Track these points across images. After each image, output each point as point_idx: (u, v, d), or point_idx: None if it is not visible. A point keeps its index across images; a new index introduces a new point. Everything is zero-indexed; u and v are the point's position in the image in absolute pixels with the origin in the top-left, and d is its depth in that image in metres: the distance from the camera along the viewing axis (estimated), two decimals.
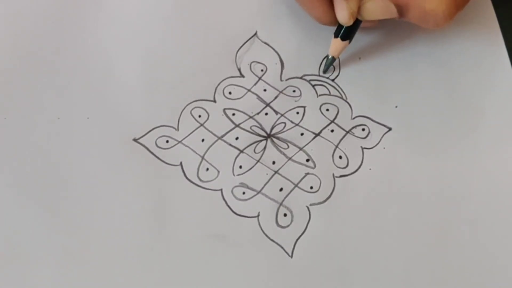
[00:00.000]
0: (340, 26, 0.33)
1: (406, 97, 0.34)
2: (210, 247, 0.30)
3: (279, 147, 0.33)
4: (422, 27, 0.32)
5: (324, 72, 0.35)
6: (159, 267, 0.30)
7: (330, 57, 0.34)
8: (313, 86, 0.35)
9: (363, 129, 0.33)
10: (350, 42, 0.34)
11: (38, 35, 0.36)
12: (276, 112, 0.34)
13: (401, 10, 0.31)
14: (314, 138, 0.33)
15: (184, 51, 0.36)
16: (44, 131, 0.33)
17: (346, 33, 0.33)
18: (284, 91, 0.34)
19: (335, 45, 0.34)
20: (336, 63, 0.35)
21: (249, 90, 0.34)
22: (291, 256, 0.30)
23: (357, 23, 0.33)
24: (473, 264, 0.29)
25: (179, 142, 0.33)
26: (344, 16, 0.32)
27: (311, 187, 0.31)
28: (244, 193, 0.31)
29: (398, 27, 0.36)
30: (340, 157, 0.32)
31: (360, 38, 0.35)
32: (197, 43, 0.36)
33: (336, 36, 0.33)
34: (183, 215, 0.31)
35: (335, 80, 0.35)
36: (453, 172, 0.32)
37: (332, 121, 0.33)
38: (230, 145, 0.33)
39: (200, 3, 0.37)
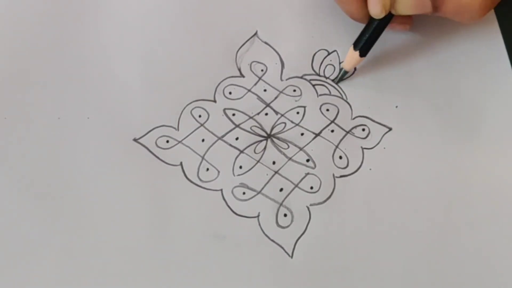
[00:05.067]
0: (361, 35, 0.33)
1: (406, 97, 0.34)
2: (210, 247, 0.30)
3: (279, 147, 0.33)
4: (456, 20, 0.32)
5: (337, 83, 0.34)
6: (159, 267, 0.30)
7: (343, 70, 0.34)
8: (313, 86, 0.35)
9: (363, 129, 0.33)
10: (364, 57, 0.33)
11: (38, 35, 0.36)
12: (276, 112, 0.34)
13: (436, 4, 0.30)
14: (314, 138, 0.33)
15: (184, 51, 0.36)
16: (44, 131, 0.33)
17: (366, 47, 0.33)
18: (284, 91, 0.34)
19: (351, 59, 0.33)
20: (336, 62, 0.35)
21: (249, 90, 0.34)
22: (291, 257, 0.30)
23: (377, 35, 0.33)
24: (473, 264, 0.29)
25: (179, 142, 0.33)
26: (376, 8, 0.31)
27: (311, 187, 0.31)
28: (244, 193, 0.31)
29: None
30: (340, 157, 0.32)
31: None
32: (197, 43, 0.36)
33: (355, 48, 0.33)
34: (183, 215, 0.31)
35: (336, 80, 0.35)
36: (453, 172, 0.32)
37: (332, 121, 0.33)
38: (230, 145, 0.33)
39: (200, 3, 0.37)
